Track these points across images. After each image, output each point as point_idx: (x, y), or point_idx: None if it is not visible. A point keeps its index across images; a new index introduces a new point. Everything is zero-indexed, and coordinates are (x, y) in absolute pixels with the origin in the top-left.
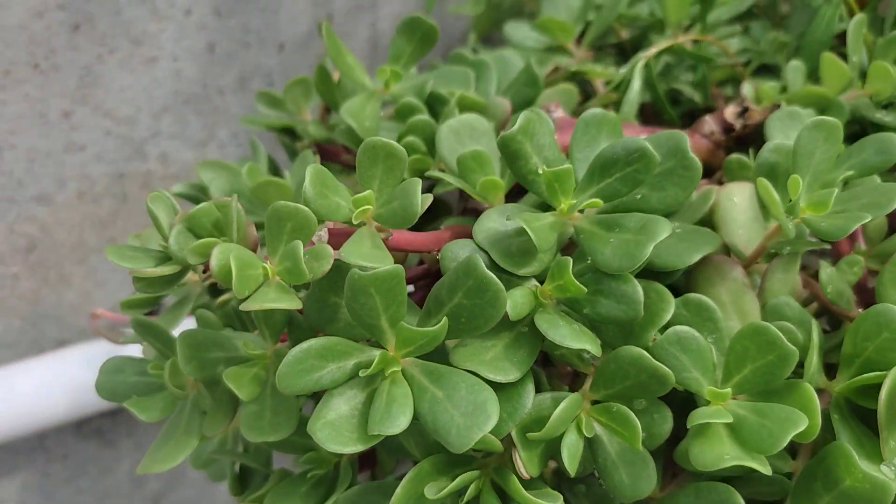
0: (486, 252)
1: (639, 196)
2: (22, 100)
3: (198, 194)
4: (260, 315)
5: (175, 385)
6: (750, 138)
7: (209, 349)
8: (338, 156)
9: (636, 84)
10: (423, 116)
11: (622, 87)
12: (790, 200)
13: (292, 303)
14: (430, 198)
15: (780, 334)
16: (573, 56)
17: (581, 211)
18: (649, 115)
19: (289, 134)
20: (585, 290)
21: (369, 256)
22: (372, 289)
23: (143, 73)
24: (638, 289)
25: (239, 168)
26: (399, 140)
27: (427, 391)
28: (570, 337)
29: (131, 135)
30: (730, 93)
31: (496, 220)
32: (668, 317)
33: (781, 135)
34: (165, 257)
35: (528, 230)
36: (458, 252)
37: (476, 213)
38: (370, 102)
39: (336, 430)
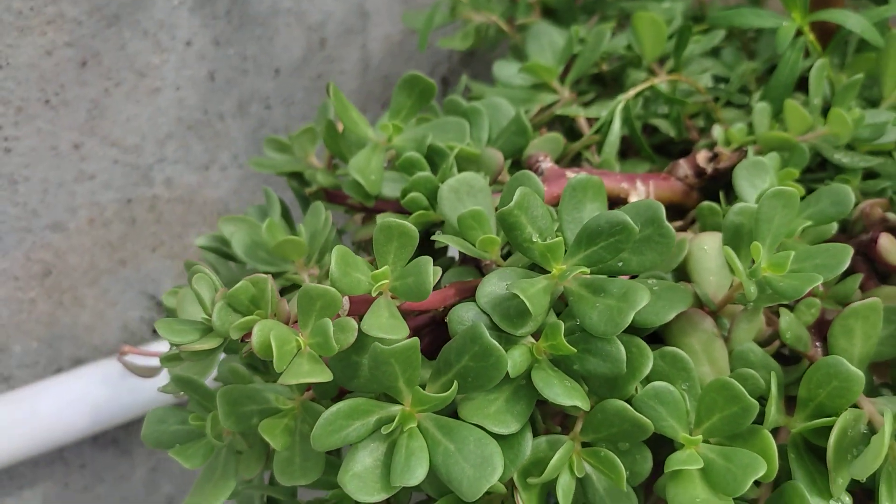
0: (487, 314)
1: (620, 263)
2: (34, 134)
3: (220, 246)
4: None
5: (214, 436)
6: (721, 178)
7: (244, 403)
8: (344, 199)
9: (616, 126)
10: (425, 173)
11: (603, 128)
12: (753, 262)
13: (324, 375)
14: (438, 271)
15: (744, 390)
16: (557, 92)
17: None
18: (629, 149)
19: (297, 178)
20: (575, 350)
21: (387, 328)
22: (392, 359)
23: (148, 103)
24: (621, 349)
25: (256, 221)
26: (403, 195)
27: (440, 444)
28: (562, 395)
29: (138, 162)
30: (702, 124)
31: (496, 285)
32: (647, 371)
33: (747, 183)
34: (207, 329)
35: (523, 299)
36: (463, 316)
37: (475, 262)
38: (374, 156)
39: (363, 481)
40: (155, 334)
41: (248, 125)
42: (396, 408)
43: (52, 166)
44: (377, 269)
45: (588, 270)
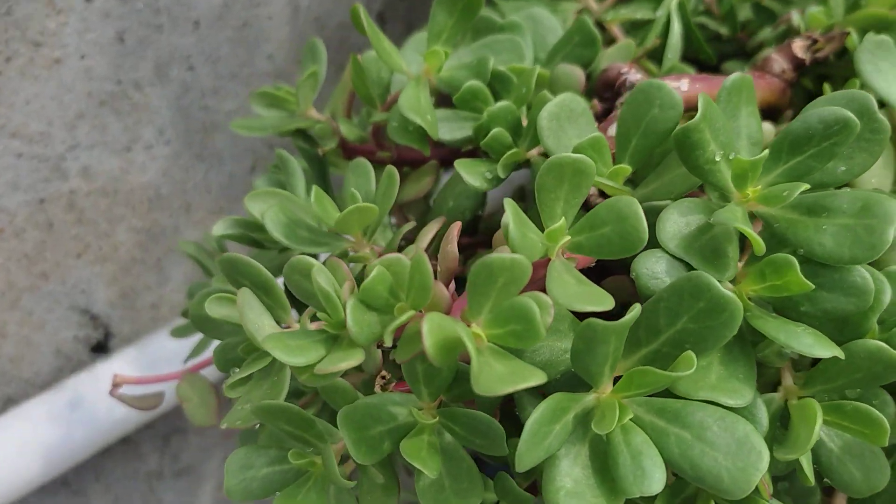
0: (678, 259)
1: (843, 169)
2: None
3: (247, 232)
4: (420, 372)
5: (337, 472)
6: (814, 70)
7: (369, 426)
8: (371, 153)
9: (676, 27)
10: (505, 103)
11: (660, 31)
12: None
13: (536, 377)
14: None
15: None
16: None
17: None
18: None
19: (302, 136)
20: (812, 286)
21: (585, 297)
22: (612, 338)
23: (49, 78)
24: (868, 278)
25: (291, 194)
26: (479, 133)
27: (668, 434)
28: (816, 345)
29: (46, 153)
30: (742, 18)
31: (677, 221)
32: (888, 300)
33: (872, 67)
34: (331, 338)
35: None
36: (654, 268)
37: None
38: (422, 91)
39: (580, 498)
40: (94, 353)
41: (170, 92)
42: (591, 397)
43: None
44: (543, 223)
45: (806, 186)
